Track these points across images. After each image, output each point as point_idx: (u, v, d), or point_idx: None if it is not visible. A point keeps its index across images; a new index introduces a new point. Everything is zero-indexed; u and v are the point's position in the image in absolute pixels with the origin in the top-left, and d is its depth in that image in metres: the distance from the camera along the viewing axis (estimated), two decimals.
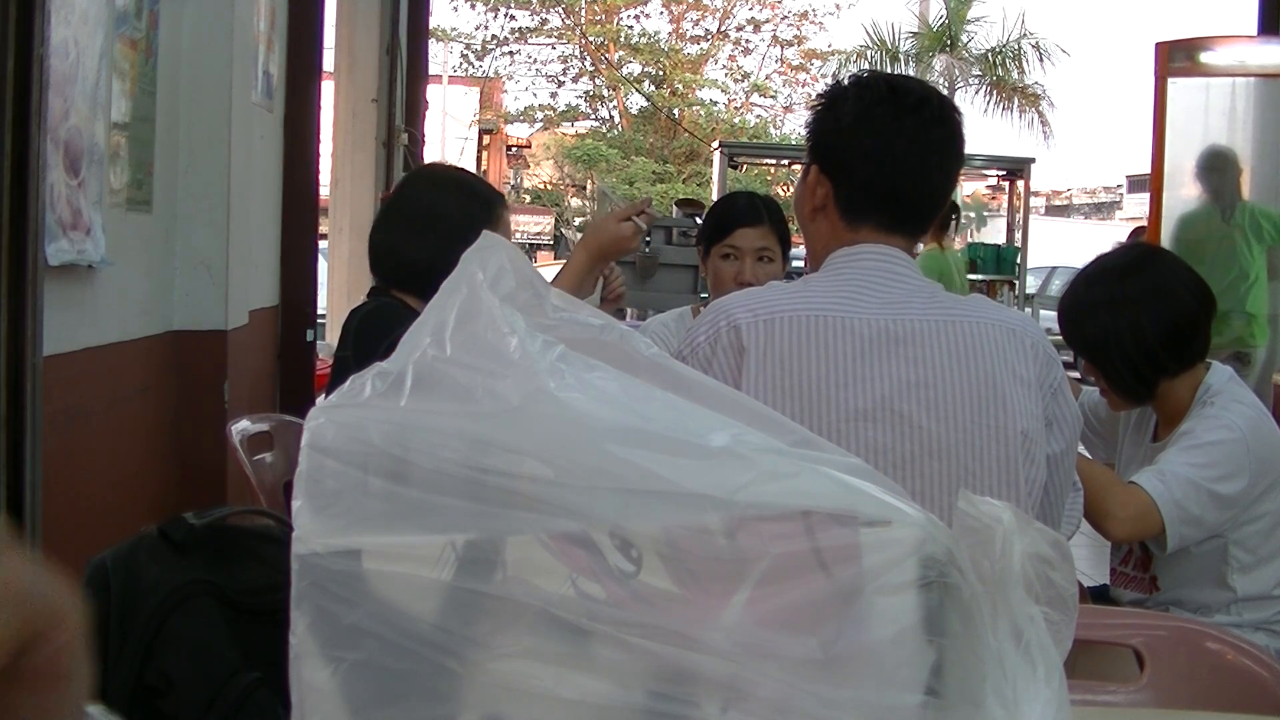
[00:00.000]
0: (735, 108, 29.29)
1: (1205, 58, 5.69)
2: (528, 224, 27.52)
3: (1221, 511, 2.12)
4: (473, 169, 22.13)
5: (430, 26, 9.91)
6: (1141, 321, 2.19)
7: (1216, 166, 5.64)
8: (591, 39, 28.59)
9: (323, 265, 6.45)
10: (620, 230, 2.41)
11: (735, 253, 2.76)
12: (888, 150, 1.67)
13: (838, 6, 35.58)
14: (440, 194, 2.38)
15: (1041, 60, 24.29)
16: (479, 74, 27.99)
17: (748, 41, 29.01)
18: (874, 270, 1.66)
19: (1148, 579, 2.31)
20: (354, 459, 0.80)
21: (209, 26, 3.68)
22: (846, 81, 1.74)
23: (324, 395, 1.22)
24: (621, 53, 28.80)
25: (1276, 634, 2.18)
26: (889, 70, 23.36)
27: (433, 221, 2.33)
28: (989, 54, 24.31)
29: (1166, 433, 2.28)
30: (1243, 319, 5.42)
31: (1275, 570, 2.19)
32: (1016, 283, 9.23)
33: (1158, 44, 5.75)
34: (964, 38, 24.36)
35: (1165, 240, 5.55)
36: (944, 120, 1.70)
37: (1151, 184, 5.82)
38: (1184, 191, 5.77)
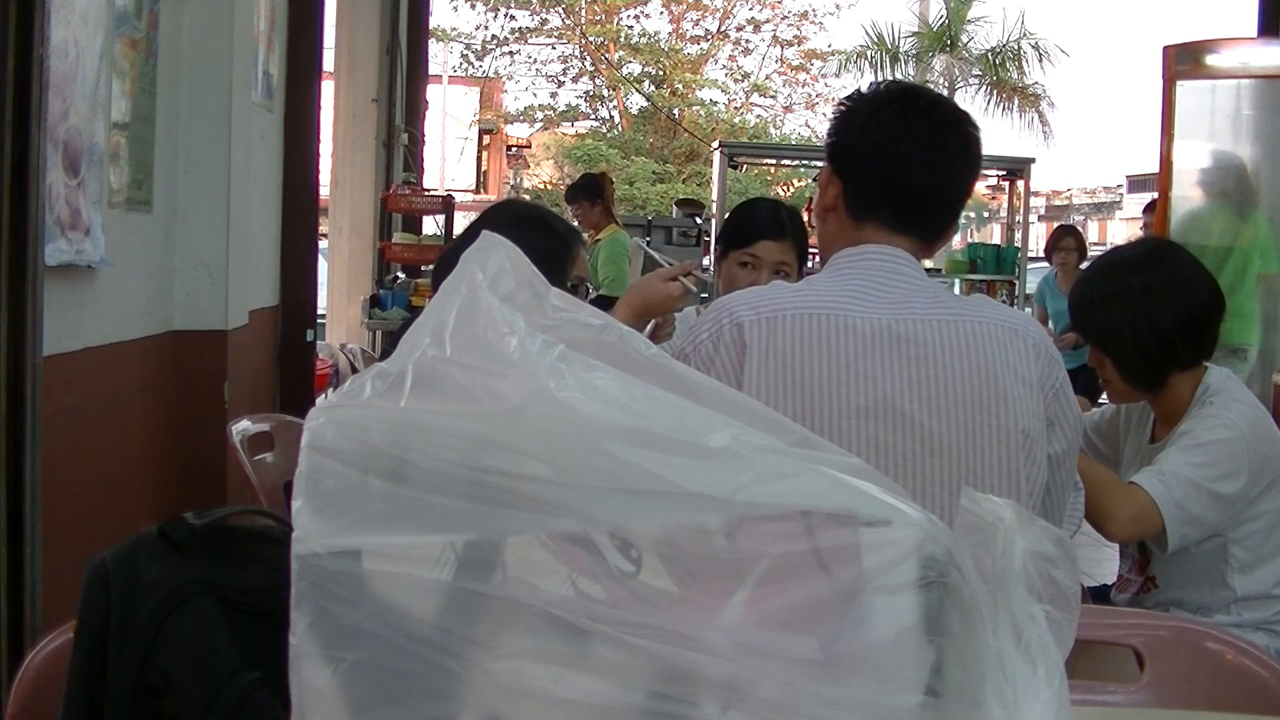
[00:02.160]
0: (735, 108, 29.27)
1: (1211, 60, 5.68)
2: None
3: (1222, 511, 2.12)
4: (473, 169, 22.16)
5: (430, 26, 9.92)
6: (1159, 311, 2.20)
7: (1233, 172, 5.64)
8: (591, 39, 28.55)
9: (323, 265, 6.45)
10: (668, 290, 2.38)
11: (755, 262, 2.75)
12: (894, 147, 1.69)
13: (838, 6, 35.43)
14: (520, 232, 2.36)
15: (1041, 60, 24.31)
16: (479, 74, 27.95)
17: (748, 41, 28.98)
18: (877, 269, 1.67)
19: (1144, 580, 2.31)
20: (354, 459, 0.80)
21: (209, 26, 3.68)
22: (865, 88, 1.78)
23: None
24: (621, 53, 28.76)
25: (1276, 634, 2.18)
26: (889, 70, 23.40)
27: None
28: (989, 54, 24.30)
29: (1164, 432, 2.28)
30: (1240, 320, 5.45)
31: (1274, 570, 2.19)
32: (1016, 283, 9.22)
33: (1165, 47, 5.75)
34: (964, 38, 24.36)
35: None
36: (955, 126, 1.71)
37: (1159, 185, 5.82)
38: (1190, 193, 5.76)
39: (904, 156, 1.69)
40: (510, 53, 28.82)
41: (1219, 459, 2.11)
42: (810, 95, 28.79)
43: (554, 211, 2.82)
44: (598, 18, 28.22)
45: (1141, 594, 2.31)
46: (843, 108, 1.77)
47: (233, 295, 3.79)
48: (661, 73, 28.45)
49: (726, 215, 3.02)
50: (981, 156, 1.76)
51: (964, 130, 1.72)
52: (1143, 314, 2.20)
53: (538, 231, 2.34)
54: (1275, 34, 5.89)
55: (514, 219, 2.44)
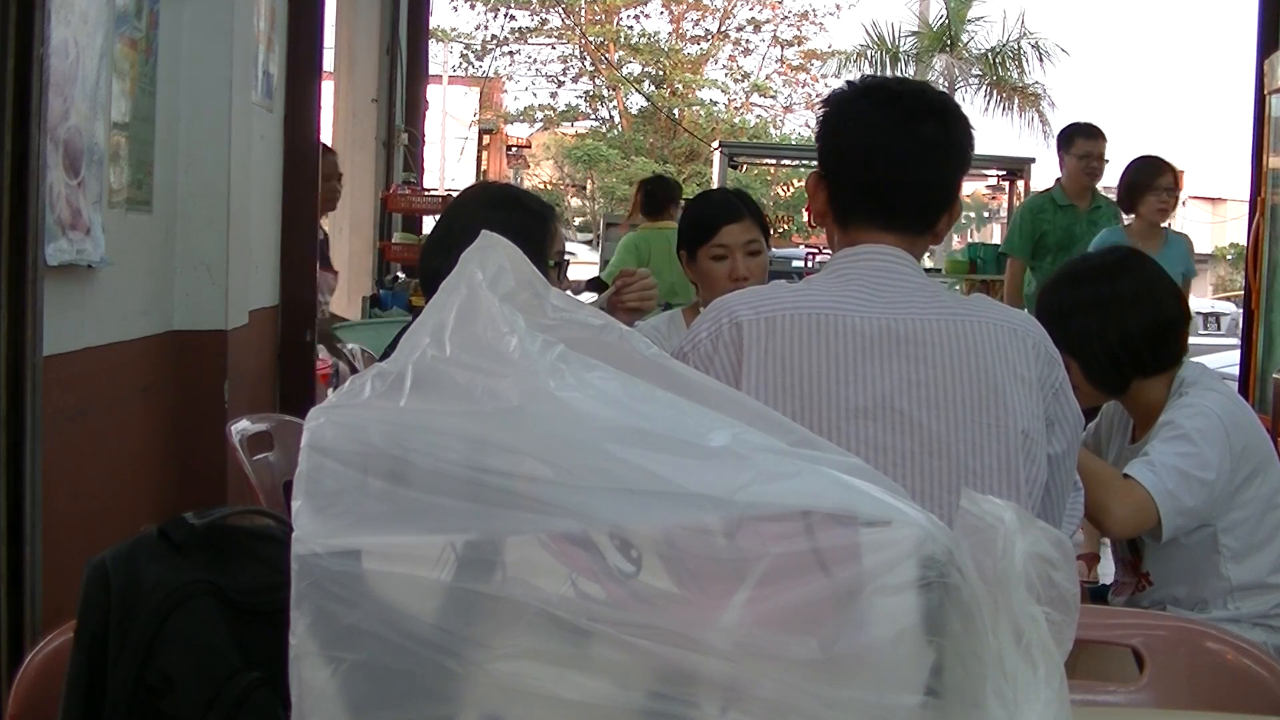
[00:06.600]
0: (735, 108, 29.26)
1: None
2: None
3: (1209, 497, 2.15)
4: (473, 169, 22.14)
5: (430, 26, 9.92)
6: (1128, 319, 2.25)
7: None
8: (591, 39, 28.54)
9: None
10: None
11: (725, 251, 2.77)
12: (862, 144, 1.69)
13: (838, 6, 35.29)
14: (495, 212, 2.36)
15: (1041, 60, 24.29)
16: (479, 74, 27.95)
17: (748, 42, 28.96)
18: (876, 270, 1.67)
19: (1138, 579, 2.33)
20: (354, 459, 0.80)
21: (209, 26, 3.68)
22: (841, 87, 1.78)
23: None
24: (621, 53, 28.75)
25: (1275, 630, 2.19)
26: (889, 70, 23.36)
27: None
28: (989, 54, 24.27)
29: (1143, 433, 2.31)
30: None
31: (1268, 557, 2.21)
32: None
33: (1264, 62, 5.71)
34: (964, 38, 24.34)
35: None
36: (936, 115, 1.69)
37: (1256, 197, 5.80)
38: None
39: (875, 152, 1.67)
40: (510, 53, 28.81)
41: (1203, 446, 2.14)
42: (810, 95, 28.76)
43: (530, 192, 2.84)
44: (598, 18, 28.21)
45: (1136, 593, 2.32)
46: (821, 111, 1.77)
47: (233, 295, 3.79)
48: (661, 73, 28.44)
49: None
50: (967, 141, 1.71)
51: (939, 115, 1.69)
52: (1112, 321, 2.25)
53: (512, 209, 2.34)
54: (1275, 37, 5.86)
55: (488, 200, 2.44)
